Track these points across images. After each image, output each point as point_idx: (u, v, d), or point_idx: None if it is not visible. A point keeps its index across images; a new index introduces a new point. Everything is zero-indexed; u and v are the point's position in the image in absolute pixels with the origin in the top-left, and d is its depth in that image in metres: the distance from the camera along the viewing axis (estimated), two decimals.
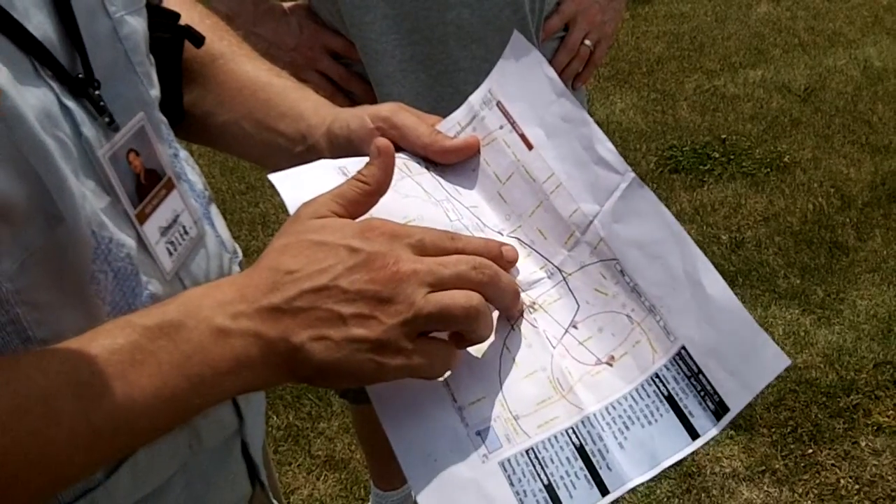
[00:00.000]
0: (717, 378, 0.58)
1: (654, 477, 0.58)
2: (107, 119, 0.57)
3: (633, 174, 0.64)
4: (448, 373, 0.61)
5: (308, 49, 1.31)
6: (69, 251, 0.52)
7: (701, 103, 3.69)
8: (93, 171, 0.56)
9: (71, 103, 0.55)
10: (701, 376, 0.58)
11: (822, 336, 2.41)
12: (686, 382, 0.59)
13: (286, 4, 1.35)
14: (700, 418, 0.58)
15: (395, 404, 0.62)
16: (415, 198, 0.67)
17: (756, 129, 3.48)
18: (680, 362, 0.60)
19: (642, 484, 0.58)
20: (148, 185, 0.60)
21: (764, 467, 2.06)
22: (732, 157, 3.28)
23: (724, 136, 3.41)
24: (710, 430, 0.58)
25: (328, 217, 0.58)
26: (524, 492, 0.58)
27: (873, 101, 3.62)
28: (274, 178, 0.69)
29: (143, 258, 0.59)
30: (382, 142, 0.60)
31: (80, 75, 0.56)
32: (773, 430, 2.14)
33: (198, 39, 0.76)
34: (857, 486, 2.01)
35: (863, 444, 2.10)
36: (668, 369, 0.60)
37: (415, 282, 0.55)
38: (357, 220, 0.59)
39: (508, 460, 0.59)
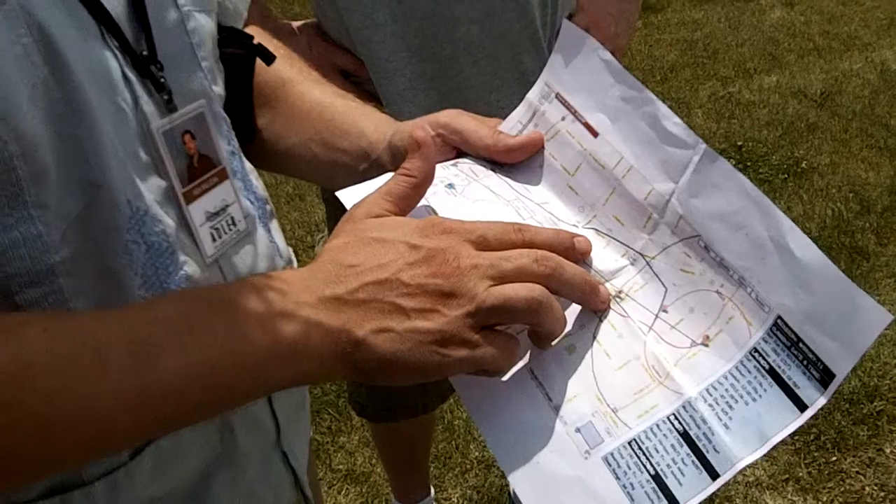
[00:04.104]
0: (818, 344, 0.55)
1: None
2: (165, 97, 0.58)
3: (704, 145, 0.62)
4: (531, 364, 0.61)
5: (317, 68, 1.30)
6: (106, 219, 0.53)
7: (716, 110, 3.68)
8: (146, 145, 0.56)
9: (132, 75, 0.56)
10: (801, 345, 0.56)
11: None
12: (787, 353, 0.57)
13: (295, 24, 1.36)
14: (806, 388, 0.55)
15: (491, 411, 0.61)
16: (484, 201, 0.66)
17: (772, 135, 3.47)
18: (777, 333, 0.57)
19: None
20: (200, 169, 0.61)
21: (787, 475, 2.04)
22: (749, 163, 3.26)
23: (740, 143, 3.40)
24: (818, 400, 0.55)
25: (384, 216, 0.59)
26: (631, 484, 0.57)
27: (891, 105, 3.60)
28: (341, 194, 0.69)
29: (183, 238, 0.59)
30: (419, 134, 0.61)
31: (143, 53, 0.57)
32: (796, 437, 2.12)
33: (268, 58, 0.77)
34: (882, 494, 1.99)
35: (887, 450, 2.08)
36: (766, 342, 0.58)
37: (476, 275, 0.55)
38: (417, 218, 0.59)
39: (612, 454, 0.58)
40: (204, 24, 0.64)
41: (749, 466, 2.27)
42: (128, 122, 0.55)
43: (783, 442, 2.16)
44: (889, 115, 3.52)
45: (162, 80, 0.58)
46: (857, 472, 2.04)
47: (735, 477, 2.03)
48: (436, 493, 2.04)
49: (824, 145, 3.36)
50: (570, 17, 1.37)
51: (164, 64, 0.58)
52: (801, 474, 2.04)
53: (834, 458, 2.07)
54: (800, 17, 4.54)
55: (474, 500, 2.06)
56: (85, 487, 0.57)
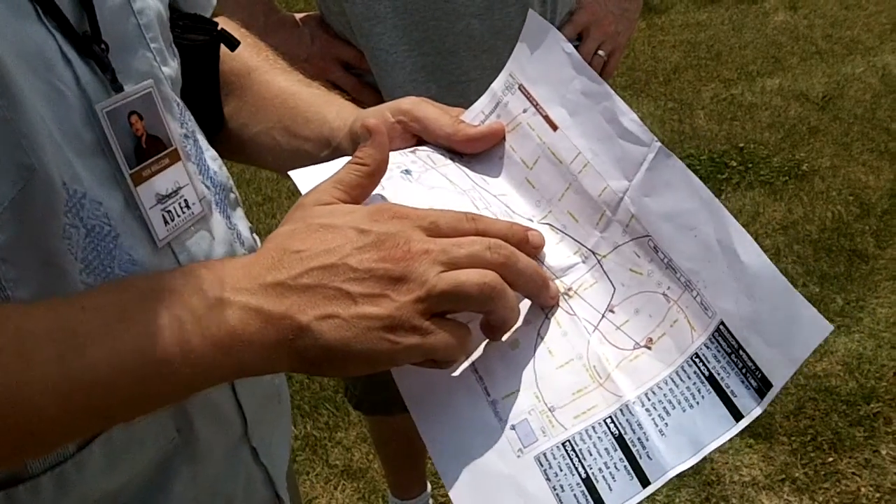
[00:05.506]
0: (758, 352, 0.55)
1: (673, 485, 0.56)
2: (109, 77, 0.56)
3: (659, 143, 0.61)
4: (473, 357, 0.60)
5: (319, 60, 1.32)
6: (42, 202, 0.51)
7: (718, 112, 3.69)
8: (90, 125, 0.55)
9: (73, 55, 0.54)
10: (741, 352, 0.55)
11: (841, 344, 2.39)
12: (727, 360, 0.56)
13: (298, 15, 1.36)
14: (743, 397, 0.55)
15: (428, 401, 0.60)
16: (440, 189, 0.65)
17: (774, 137, 3.47)
18: (719, 339, 0.57)
19: (661, 489, 0.56)
20: (149, 150, 0.59)
21: (784, 476, 2.04)
22: (750, 165, 3.26)
23: (741, 145, 3.40)
24: (754, 410, 0.54)
25: (334, 203, 0.57)
26: (561, 486, 0.56)
27: (892, 109, 3.60)
28: (294, 174, 0.67)
29: (130, 222, 0.57)
30: (372, 122, 0.60)
31: (86, 33, 0.55)
32: (793, 438, 2.12)
33: (232, 43, 0.76)
34: (877, 495, 1.99)
35: (883, 452, 2.08)
36: (707, 348, 0.57)
37: (427, 261, 0.53)
38: (368, 205, 0.57)
39: (544, 454, 0.57)
40: (152, 5, 0.63)
41: (745, 466, 2.26)
42: (68, 103, 0.53)
43: (780, 442, 2.16)
44: (890, 120, 3.52)
45: (106, 60, 0.56)
46: (853, 474, 2.04)
47: (731, 476, 2.05)
48: (433, 488, 2.04)
49: (825, 148, 3.36)
50: (570, 15, 1.37)
51: (109, 44, 0.56)
52: (797, 475, 2.04)
53: (830, 459, 2.08)
54: (803, 20, 4.54)
55: None
56: (30, 481, 0.54)
